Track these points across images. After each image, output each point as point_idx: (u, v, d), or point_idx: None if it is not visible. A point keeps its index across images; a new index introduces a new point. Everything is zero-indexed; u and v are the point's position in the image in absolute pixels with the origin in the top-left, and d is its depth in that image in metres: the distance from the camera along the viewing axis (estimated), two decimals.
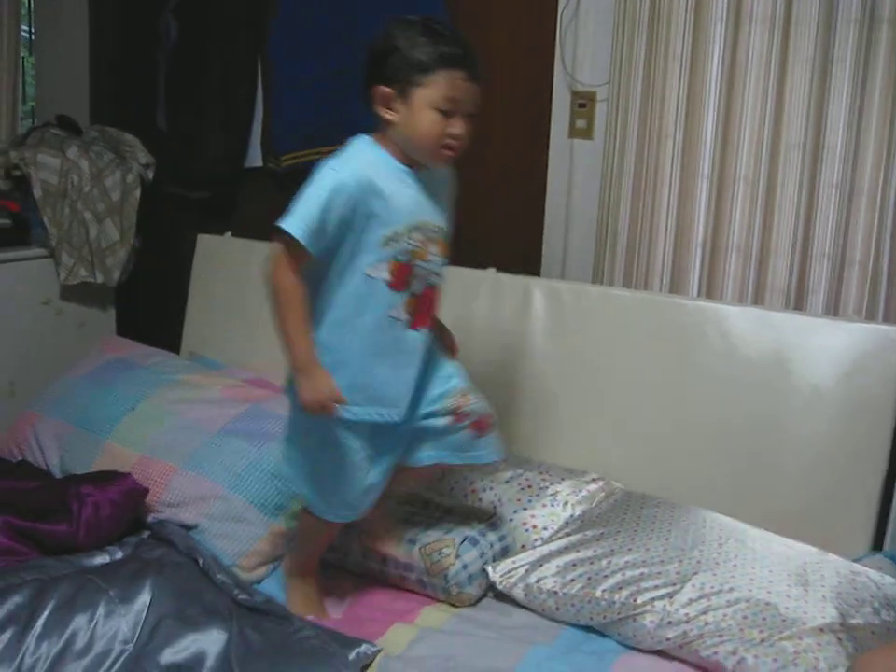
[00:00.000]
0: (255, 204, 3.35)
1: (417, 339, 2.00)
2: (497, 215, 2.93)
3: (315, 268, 1.88)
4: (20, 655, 1.81)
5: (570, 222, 2.82)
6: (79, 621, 1.89)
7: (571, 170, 2.81)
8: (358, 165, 1.89)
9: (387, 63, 1.86)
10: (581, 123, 2.78)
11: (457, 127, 1.88)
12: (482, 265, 2.76)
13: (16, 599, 1.92)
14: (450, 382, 2.08)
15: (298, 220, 1.81)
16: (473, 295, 2.72)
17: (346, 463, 1.98)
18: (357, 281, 1.90)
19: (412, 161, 1.94)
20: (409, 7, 2.09)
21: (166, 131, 3.40)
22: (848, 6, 2.36)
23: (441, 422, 2.06)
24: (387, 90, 1.88)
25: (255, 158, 3.31)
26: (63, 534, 2.22)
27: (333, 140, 2.95)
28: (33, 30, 3.67)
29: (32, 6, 3.64)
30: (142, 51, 3.45)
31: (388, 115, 1.90)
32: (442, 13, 2.82)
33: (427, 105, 1.85)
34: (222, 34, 3.22)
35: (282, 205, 1.84)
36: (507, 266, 2.76)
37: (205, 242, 3.31)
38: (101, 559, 2.22)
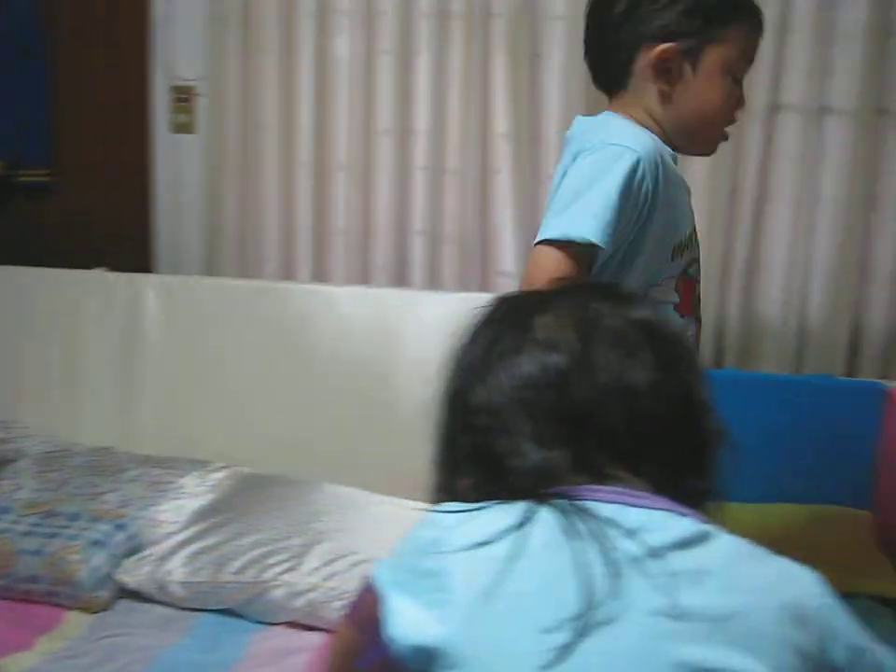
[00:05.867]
0: None
1: None
2: (103, 214, 2.88)
3: None
4: None
5: (181, 217, 2.83)
6: None
7: (179, 164, 2.82)
8: (647, 147, 1.35)
9: (674, 7, 1.37)
10: (182, 118, 2.80)
11: (742, 99, 1.44)
12: (88, 266, 2.69)
13: None
14: None
15: (590, 218, 1.28)
16: (83, 296, 2.65)
17: None
18: None
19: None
20: None
21: None
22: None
23: None
24: (670, 46, 1.38)
25: None
26: None
27: None
28: None
29: None
30: None
31: (663, 84, 1.41)
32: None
33: (721, 70, 1.39)
34: None
35: None
36: (117, 265, 2.71)
37: None
38: None
